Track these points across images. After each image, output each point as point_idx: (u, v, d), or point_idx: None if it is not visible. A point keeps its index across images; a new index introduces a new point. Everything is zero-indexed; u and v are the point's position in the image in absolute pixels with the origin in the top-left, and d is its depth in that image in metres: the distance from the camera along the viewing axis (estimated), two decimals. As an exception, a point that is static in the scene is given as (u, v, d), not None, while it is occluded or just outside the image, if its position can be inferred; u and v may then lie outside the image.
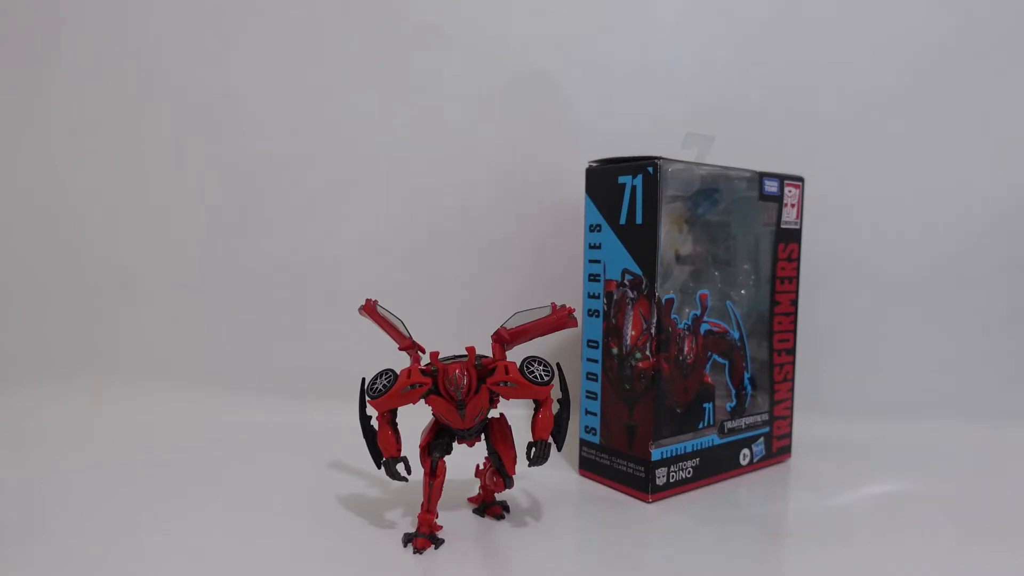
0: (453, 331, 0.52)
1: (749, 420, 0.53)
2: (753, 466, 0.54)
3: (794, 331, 0.56)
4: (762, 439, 0.54)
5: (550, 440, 0.40)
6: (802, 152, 0.67)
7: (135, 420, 0.64)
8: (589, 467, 0.51)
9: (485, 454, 0.42)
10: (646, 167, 0.46)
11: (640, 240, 0.46)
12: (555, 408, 0.41)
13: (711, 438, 0.50)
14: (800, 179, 0.55)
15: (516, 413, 0.45)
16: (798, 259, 0.56)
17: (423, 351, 0.41)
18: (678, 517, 0.45)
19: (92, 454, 0.55)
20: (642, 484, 0.47)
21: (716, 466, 0.51)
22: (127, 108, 0.75)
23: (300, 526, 0.42)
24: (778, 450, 0.56)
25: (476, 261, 0.71)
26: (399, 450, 0.40)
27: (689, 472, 0.49)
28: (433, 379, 0.39)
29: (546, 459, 0.40)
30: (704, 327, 0.50)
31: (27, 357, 0.76)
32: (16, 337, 0.76)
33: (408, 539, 0.39)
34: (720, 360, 0.51)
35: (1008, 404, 0.67)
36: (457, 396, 0.38)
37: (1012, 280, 0.68)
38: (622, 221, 0.47)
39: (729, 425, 0.51)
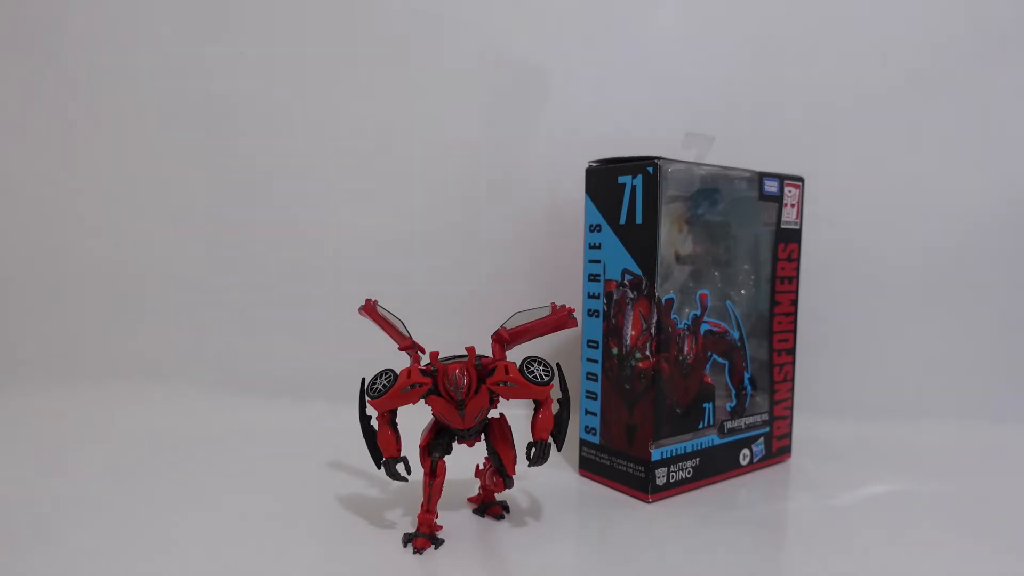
0: (453, 331, 0.52)
1: (749, 420, 0.53)
2: (753, 466, 0.54)
3: (794, 331, 0.56)
4: (762, 439, 0.54)
5: (550, 440, 0.40)
6: (802, 152, 0.67)
7: (134, 420, 0.64)
8: (589, 467, 0.51)
9: (485, 454, 0.42)
10: (646, 167, 0.46)
11: (640, 240, 0.46)
12: (555, 408, 0.41)
13: (711, 438, 0.50)
14: (800, 179, 0.55)
15: (516, 413, 0.45)
16: (798, 259, 0.56)
17: (423, 351, 0.41)
18: (678, 517, 0.45)
19: (92, 454, 0.55)
20: (642, 484, 0.47)
21: (716, 466, 0.51)
22: (127, 109, 0.75)
23: (300, 526, 0.42)
24: (778, 450, 0.56)
25: (476, 261, 0.71)
26: (399, 450, 0.40)
27: (689, 472, 0.49)
28: (433, 379, 0.39)
29: (546, 459, 0.40)
30: (704, 327, 0.50)
31: (28, 357, 0.76)
32: (17, 337, 0.76)
33: (408, 539, 0.39)
34: (720, 360, 0.51)
35: (1008, 404, 0.67)
36: (457, 396, 0.38)
37: (1012, 280, 0.68)
38: (622, 221, 0.47)
39: (729, 425, 0.51)
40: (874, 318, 0.69)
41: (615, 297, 0.48)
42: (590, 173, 0.50)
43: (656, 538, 0.41)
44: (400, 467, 0.40)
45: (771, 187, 0.53)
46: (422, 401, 0.39)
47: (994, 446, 0.61)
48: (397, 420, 0.40)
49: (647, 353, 0.46)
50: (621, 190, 0.47)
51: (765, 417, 0.54)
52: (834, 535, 0.42)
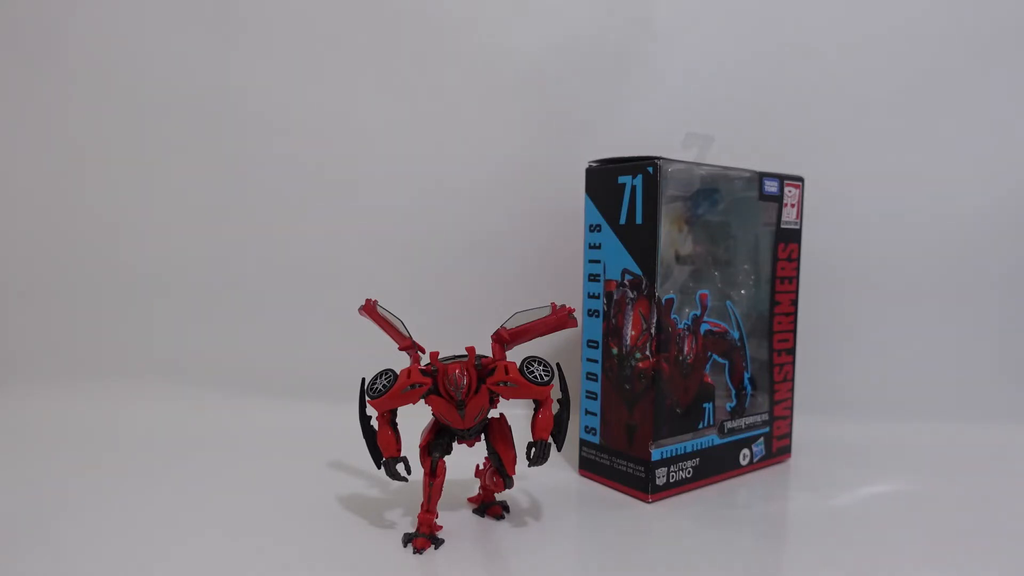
0: (453, 331, 0.52)
1: (749, 420, 0.53)
2: (753, 466, 0.54)
3: (794, 331, 0.56)
4: (762, 439, 0.54)
5: (550, 440, 0.40)
6: (802, 152, 0.67)
7: (134, 420, 0.64)
8: (589, 467, 0.51)
9: (485, 454, 0.42)
10: (646, 167, 0.46)
11: (640, 240, 0.46)
12: (555, 408, 0.41)
13: (711, 438, 0.50)
14: (800, 179, 0.55)
15: (516, 413, 0.45)
16: (798, 259, 0.56)
17: (423, 351, 0.41)
18: (678, 517, 0.45)
19: (91, 454, 0.55)
20: (642, 484, 0.47)
21: (716, 466, 0.51)
22: (131, 108, 0.75)
23: (300, 526, 0.42)
24: (778, 450, 0.56)
25: (476, 261, 0.71)
26: (399, 450, 0.40)
27: (689, 472, 0.49)
28: (433, 379, 0.39)
29: (546, 459, 0.40)
30: (704, 327, 0.50)
31: (28, 357, 0.76)
32: (18, 336, 0.76)
33: (408, 539, 0.39)
34: (720, 360, 0.51)
35: (1008, 404, 0.67)
36: (457, 396, 0.38)
37: (1012, 280, 0.68)
38: (622, 221, 0.47)
39: (729, 425, 0.51)
40: (874, 318, 0.69)
41: (615, 297, 0.48)
42: (590, 173, 0.50)
43: (656, 538, 0.41)
44: (400, 467, 0.40)
45: (771, 187, 0.53)
46: (422, 401, 0.39)
47: (994, 446, 0.61)
48: (397, 420, 0.40)
49: (647, 353, 0.46)
50: (621, 190, 0.47)
51: (765, 417, 0.54)
52: (834, 535, 0.42)
